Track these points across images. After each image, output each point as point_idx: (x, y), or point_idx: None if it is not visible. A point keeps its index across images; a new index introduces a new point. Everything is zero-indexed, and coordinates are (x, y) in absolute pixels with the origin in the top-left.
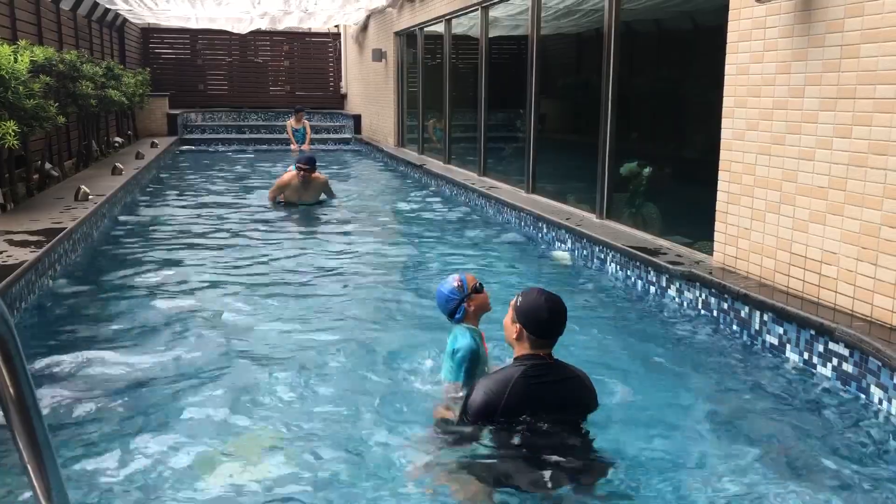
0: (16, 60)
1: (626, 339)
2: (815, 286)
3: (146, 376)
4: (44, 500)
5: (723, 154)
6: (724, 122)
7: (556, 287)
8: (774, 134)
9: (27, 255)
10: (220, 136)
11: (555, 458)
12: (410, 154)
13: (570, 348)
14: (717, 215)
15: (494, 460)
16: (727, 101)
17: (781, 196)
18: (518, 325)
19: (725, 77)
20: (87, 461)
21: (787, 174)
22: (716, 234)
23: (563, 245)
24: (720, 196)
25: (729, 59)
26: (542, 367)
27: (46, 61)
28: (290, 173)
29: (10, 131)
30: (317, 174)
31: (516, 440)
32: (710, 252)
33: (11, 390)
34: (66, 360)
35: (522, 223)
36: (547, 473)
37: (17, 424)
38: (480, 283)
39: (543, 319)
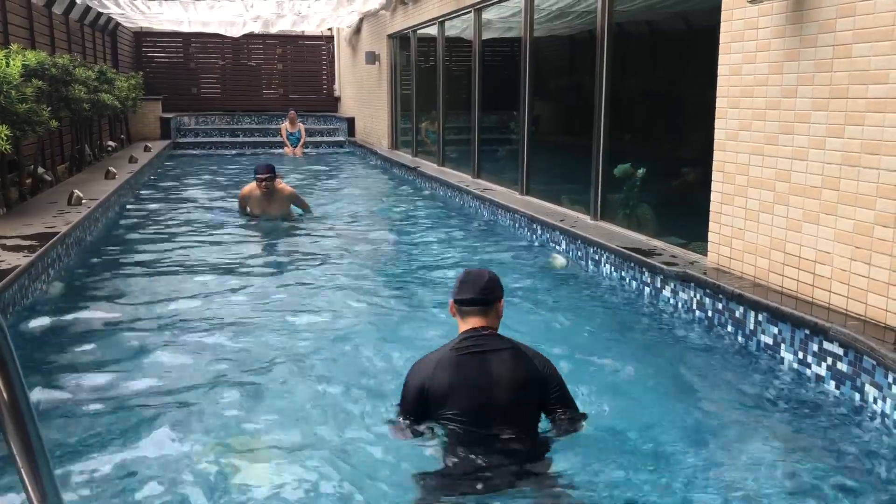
0: (8, 65)
1: (620, 340)
2: (809, 286)
3: (141, 379)
4: (36, 501)
5: (716, 154)
6: (718, 123)
7: (550, 288)
8: (767, 134)
9: (20, 260)
10: (214, 139)
11: (492, 462)
12: (404, 157)
13: (564, 349)
14: (711, 216)
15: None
16: (720, 102)
17: (775, 196)
18: (451, 301)
19: (718, 77)
20: (81, 465)
21: (781, 174)
22: (710, 234)
23: (557, 246)
24: (714, 196)
25: (722, 59)
26: (472, 337)
27: (39, 65)
28: (250, 184)
29: (3, 136)
30: (282, 185)
31: (453, 441)
32: (704, 253)
33: (5, 394)
34: (60, 365)
35: (517, 225)
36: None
37: (11, 428)
38: None
39: (462, 283)
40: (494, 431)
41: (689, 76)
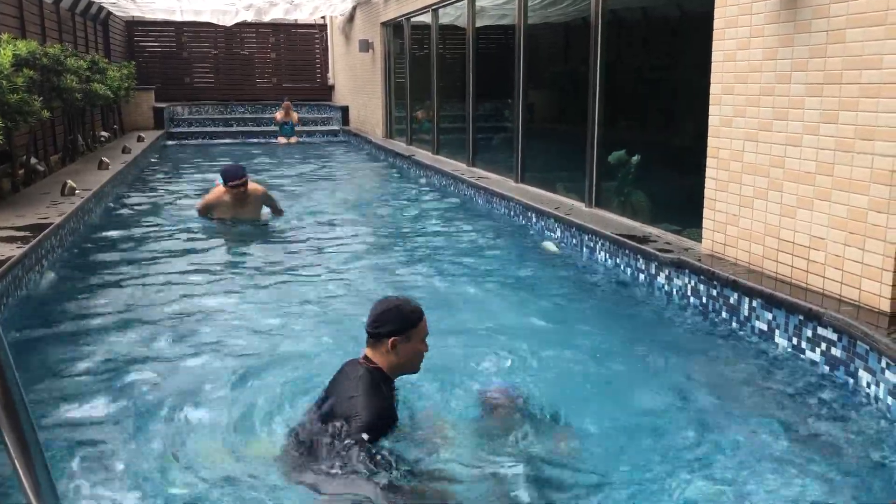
0: None
1: (614, 326)
2: (803, 272)
3: (134, 371)
4: (33, 497)
5: (710, 141)
6: (712, 109)
7: (544, 276)
8: (762, 120)
9: (13, 251)
10: (208, 129)
11: None
12: (399, 145)
13: (559, 336)
14: (706, 202)
15: None
16: (714, 88)
17: (769, 182)
18: None
19: (712, 64)
20: (76, 459)
21: (775, 160)
22: (704, 220)
23: (552, 234)
24: (708, 183)
25: (716, 45)
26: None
27: (30, 55)
28: (217, 189)
29: None
30: (253, 186)
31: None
32: (698, 239)
33: None
34: (54, 357)
35: (511, 213)
36: None
37: (4, 421)
38: None
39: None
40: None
41: (683, 63)
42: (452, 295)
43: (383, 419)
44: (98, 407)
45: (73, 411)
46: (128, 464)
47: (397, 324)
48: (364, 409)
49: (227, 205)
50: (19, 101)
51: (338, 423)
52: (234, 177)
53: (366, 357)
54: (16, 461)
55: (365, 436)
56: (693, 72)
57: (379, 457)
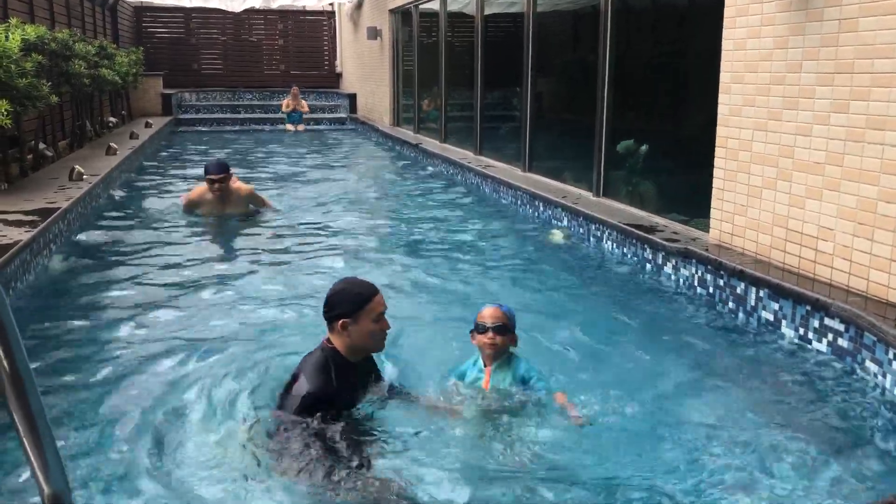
0: (7, 39)
1: (621, 316)
2: (810, 262)
3: (141, 354)
4: (41, 475)
5: (719, 130)
6: (721, 98)
7: (551, 265)
8: (771, 110)
9: (22, 235)
10: (215, 115)
11: None
12: (406, 133)
13: (565, 324)
14: (714, 192)
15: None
16: (724, 77)
17: (778, 172)
18: None
19: (722, 52)
20: (83, 439)
21: (784, 150)
22: (712, 210)
23: (559, 223)
24: (717, 173)
25: (726, 34)
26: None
27: (38, 40)
28: (200, 187)
29: (3, 110)
30: (238, 184)
31: None
32: (706, 229)
33: (5, 363)
34: (61, 340)
35: (518, 202)
36: None
37: (13, 399)
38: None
39: None
40: None
41: (692, 51)
42: (457, 283)
43: (322, 400)
44: (91, 386)
45: (66, 391)
46: (121, 442)
47: (345, 306)
48: (304, 388)
49: (211, 202)
50: (28, 86)
51: (286, 403)
52: (214, 170)
53: (328, 339)
54: (24, 439)
55: (302, 416)
56: (702, 61)
57: (313, 436)
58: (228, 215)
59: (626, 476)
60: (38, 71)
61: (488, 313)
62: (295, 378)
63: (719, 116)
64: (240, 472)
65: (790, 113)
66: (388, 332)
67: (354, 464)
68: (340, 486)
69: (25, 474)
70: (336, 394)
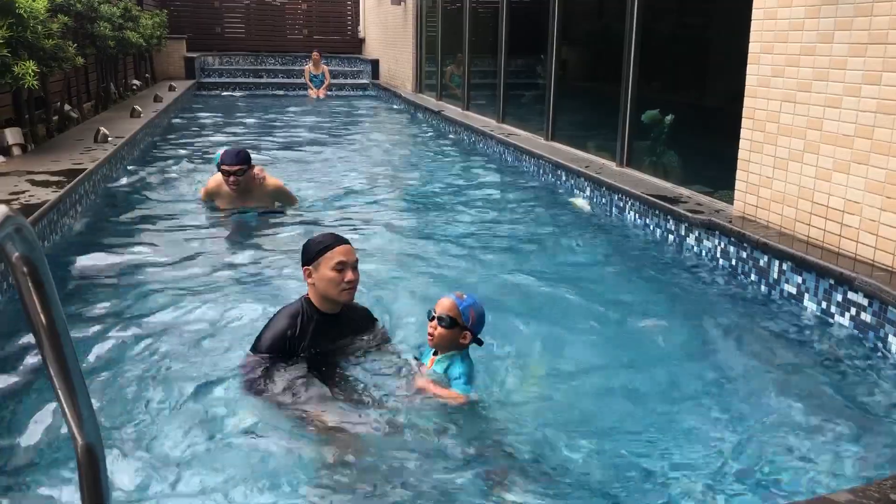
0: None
1: (642, 287)
2: (836, 236)
3: (168, 314)
4: (75, 427)
5: (747, 101)
6: (750, 69)
7: (573, 234)
8: (801, 81)
9: (49, 195)
10: (238, 80)
11: None
12: (429, 100)
13: (586, 295)
14: (739, 163)
15: None
16: (753, 47)
17: (805, 144)
18: None
19: (752, 22)
20: (113, 395)
21: (812, 122)
22: (737, 182)
23: (581, 193)
24: (742, 144)
25: (756, 2)
26: None
27: (65, 1)
28: (216, 177)
29: (30, 71)
30: (263, 175)
31: None
32: (730, 201)
33: (42, 316)
34: (86, 299)
35: (541, 171)
36: None
37: (50, 354)
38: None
39: None
40: None
41: (721, 20)
42: (476, 252)
43: (276, 340)
44: (114, 345)
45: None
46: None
47: (308, 255)
48: (263, 330)
49: (228, 196)
50: (54, 48)
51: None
52: (229, 160)
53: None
54: (59, 393)
55: (256, 354)
56: (731, 30)
57: (260, 370)
58: (247, 209)
59: (642, 448)
60: (64, 32)
61: (441, 302)
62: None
63: (747, 87)
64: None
65: (820, 84)
66: (352, 282)
67: (288, 407)
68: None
69: (59, 426)
70: (296, 339)
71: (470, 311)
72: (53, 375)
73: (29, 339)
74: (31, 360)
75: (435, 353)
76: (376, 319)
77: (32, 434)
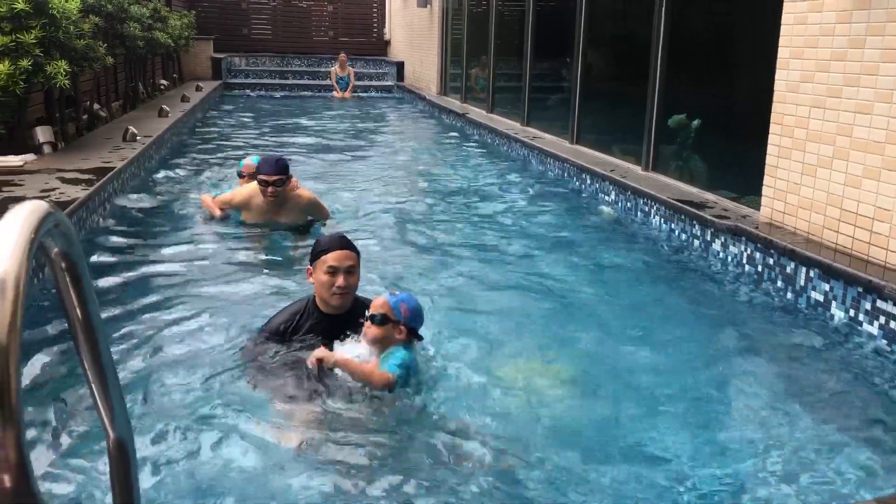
0: (67, 0)
1: (668, 292)
2: (865, 243)
3: (194, 311)
4: (107, 420)
5: (775, 106)
6: (779, 74)
7: (598, 238)
8: (831, 86)
9: (79, 193)
10: (264, 80)
11: None
12: (453, 102)
13: (610, 300)
14: (767, 169)
15: None
16: (782, 52)
17: (835, 151)
18: None
19: (782, 27)
20: (140, 393)
21: (843, 128)
22: (764, 188)
23: (606, 197)
24: (770, 150)
25: (787, 7)
26: None
27: (96, 2)
28: (249, 187)
29: (62, 71)
30: (298, 189)
31: None
32: (757, 207)
33: (79, 311)
34: (114, 298)
35: (566, 174)
36: None
37: (85, 349)
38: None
39: None
40: None
41: (750, 25)
42: (499, 255)
43: (273, 330)
44: (140, 340)
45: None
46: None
47: (311, 254)
48: (270, 318)
49: (260, 207)
50: (85, 48)
51: None
52: (270, 169)
53: None
54: (93, 387)
55: (254, 341)
56: (759, 35)
57: (256, 345)
58: (278, 224)
59: (664, 454)
60: (94, 33)
61: (374, 301)
62: None
63: (775, 92)
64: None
65: (850, 90)
66: (342, 288)
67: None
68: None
69: (89, 420)
70: (289, 333)
71: (401, 305)
72: (88, 369)
73: (55, 333)
74: (61, 353)
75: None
76: None
77: (64, 426)
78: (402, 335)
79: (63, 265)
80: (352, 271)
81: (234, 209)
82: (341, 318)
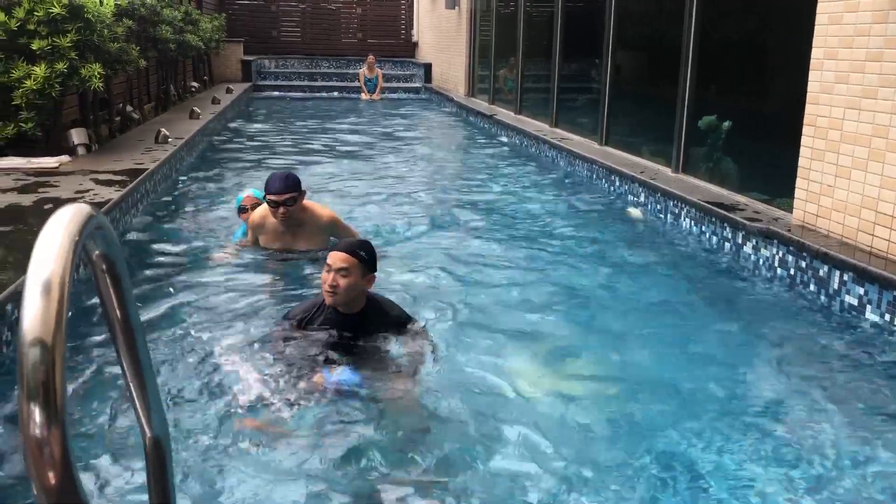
0: (101, 4)
1: (698, 295)
2: None
3: (228, 311)
4: (145, 420)
5: (808, 108)
6: (812, 75)
7: (625, 241)
8: (866, 87)
9: (112, 194)
10: (293, 83)
11: None
12: (481, 104)
13: (640, 303)
14: (799, 171)
15: None
16: (816, 53)
17: (869, 153)
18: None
19: (816, 27)
20: (170, 391)
21: (878, 129)
22: (797, 190)
23: (635, 198)
24: (803, 152)
25: (821, 7)
26: None
27: (129, 5)
28: (262, 206)
29: (96, 73)
30: (313, 208)
31: None
32: (789, 209)
33: (118, 312)
34: (145, 298)
35: (594, 176)
36: None
37: (124, 348)
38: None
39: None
40: None
41: (782, 25)
42: (527, 257)
43: (293, 315)
44: (171, 340)
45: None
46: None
47: None
48: (290, 310)
49: (275, 229)
50: (119, 50)
51: None
52: (275, 188)
53: None
54: (131, 386)
55: (274, 329)
56: (792, 35)
57: (280, 328)
58: (298, 253)
59: (692, 455)
60: (128, 36)
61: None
62: None
63: (809, 94)
64: None
65: (886, 91)
66: (331, 287)
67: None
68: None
69: (126, 419)
70: (305, 324)
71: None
72: (126, 369)
73: (95, 334)
74: (95, 353)
75: None
76: (408, 330)
77: (100, 425)
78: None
79: (104, 267)
80: (344, 274)
81: (253, 231)
82: (352, 318)
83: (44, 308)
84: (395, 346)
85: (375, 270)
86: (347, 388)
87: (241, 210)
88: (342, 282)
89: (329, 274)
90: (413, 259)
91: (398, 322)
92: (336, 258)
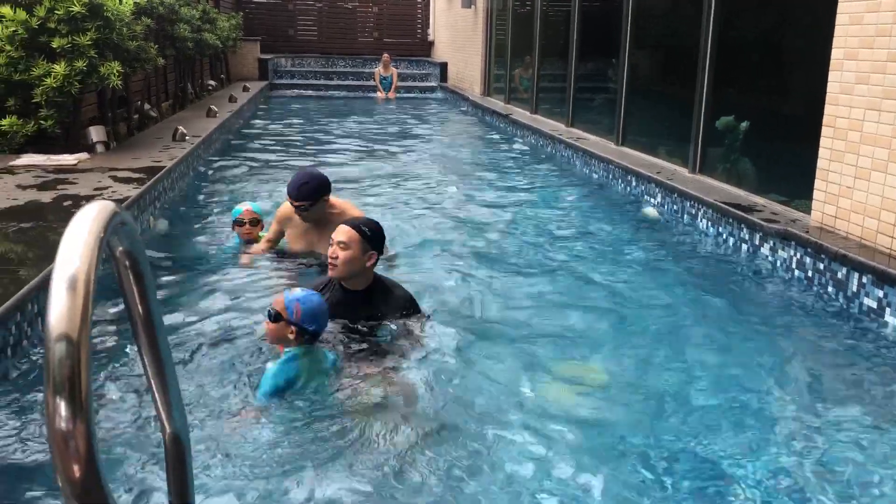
0: (121, 2)
1: (714, 297)
2: None
3: (240, 310)
4: (164, 415)
5: (827, 109)
6: (832, 76)
7: (641, 241)
8: (886, 88)
9: (130, 191)
10: (309, 81)
11: None
12: (496, 103)
13: (655, 304)
14: (818, 173)
15: None
16: (836, 53)
17: (890, 154)
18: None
19: (836, 27)
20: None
21: None
22: (815, 192)
23: (652, 199)
24: (822, 153)
25: (841, 7)
26: None
27: (148, 4)
28: (286, 205)
29: (115, 72)
30: (342, 206)
31: None
32: (807, 211)
33: (140, 308)
34: (163, 294)
35: (611, 176)
36: None
37: (145, 344)
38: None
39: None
40: None
41: (802, 25)
42: (543, 257)
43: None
44: (187, 337)
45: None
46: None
47: None
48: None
49: (298, 230)
50: (137, 49)
51: None
52: (294, 190)
53: None
54: (152, 381)
55: None
56: (812, 35)
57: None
58: (323, 257)
59: (705, 456)
60: (146, 34)
61: (276, 297)
62: None
63: (828, 94)
64: None
65: None
66: (331, 258)
67: None
68: None
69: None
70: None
71: (295, 304)
72: (147, 365)
73: (115, 329)
74: (115, 348)
75: None
76: (410, 313)
77: (120, 420)
78: (293, 336)
79: (127, 263)
80: (344, 247)
81: (276, 233)
82: (359, 294)
83: (70, 304)
84: (393, 329)
85: (380, 250)
86: (304, 306)
87: (238, 223)
88: (341, 254)
89: (331, 247)
90: (424, 256)
91: (403, 303)
92: (339, 231)
